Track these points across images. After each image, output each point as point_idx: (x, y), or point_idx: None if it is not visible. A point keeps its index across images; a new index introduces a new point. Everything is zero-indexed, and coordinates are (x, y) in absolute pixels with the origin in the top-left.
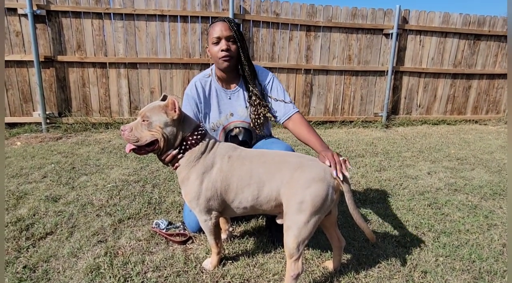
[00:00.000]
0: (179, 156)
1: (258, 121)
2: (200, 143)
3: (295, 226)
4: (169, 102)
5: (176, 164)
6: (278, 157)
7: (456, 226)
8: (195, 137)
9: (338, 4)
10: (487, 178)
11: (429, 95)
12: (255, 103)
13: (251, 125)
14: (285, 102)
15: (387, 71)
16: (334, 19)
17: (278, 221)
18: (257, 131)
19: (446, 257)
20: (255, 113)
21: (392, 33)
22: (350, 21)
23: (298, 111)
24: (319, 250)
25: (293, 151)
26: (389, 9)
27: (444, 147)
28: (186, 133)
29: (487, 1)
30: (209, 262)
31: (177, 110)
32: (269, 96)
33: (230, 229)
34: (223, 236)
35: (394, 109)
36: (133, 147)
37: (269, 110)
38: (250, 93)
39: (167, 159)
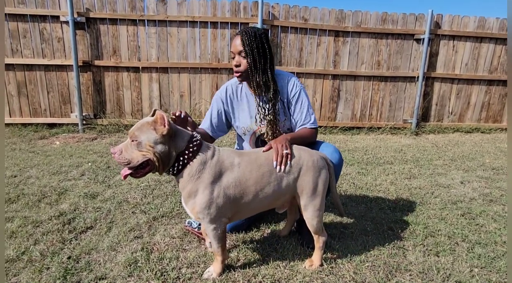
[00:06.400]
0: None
1: (270, 132)
2: (199, 155)
3: (314, 209)
4: (157, 118)
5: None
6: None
7: (492, 237)
8: (191, 149)
9: (368, 9)
10: None
11: (462, 102)
12: (266, 113)
13: (265, 134)
14: (304, 122)
15: (418, 77)
16: (363, 24)
17: (279, 211)
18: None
19: (481, 268)
20: (269, 124)
21: (423, 38)
22: (380, 26)
23: (315, 127)
24: (349, 255)
25: (340, 153)
26: (421, 13)
27: (478, 156)
28: (181, 148)
29: None
30: (213, 271)
31: (166, 125)
32: (291, 109)
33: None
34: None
35: (424, 116)
36: (128, 172)
37: (278, 123)
38: (260, 102)
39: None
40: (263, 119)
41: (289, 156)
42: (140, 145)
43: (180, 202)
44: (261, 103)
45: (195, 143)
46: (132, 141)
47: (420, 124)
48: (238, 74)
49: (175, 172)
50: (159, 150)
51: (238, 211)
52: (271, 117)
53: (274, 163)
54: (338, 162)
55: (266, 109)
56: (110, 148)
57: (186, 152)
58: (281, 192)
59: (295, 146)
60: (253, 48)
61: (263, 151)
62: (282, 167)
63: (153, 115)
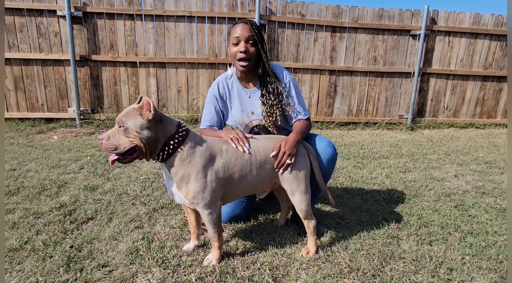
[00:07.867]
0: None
1: (270, 118)
2: (189, 139)
3: (301, 194)
4: (143, 103)
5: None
6: (268, 142)
7: (483, 228)
8: (181, 134)
9: (364, 5)
10: None
11: (457, 97)
12: (269, 102)
13: (264, 123)
14: (298, 111)
15: (414, 72)
16: (360, 20)
17: (260, 197)
18: (272, 130)
19: (472, 256)
20: (269, 112)
21: (419, 34)
22: (376, 22)
23: (307, 117)
24: (345, 244)
25: (334, 146)
26: (417, 9)
27: (472, 150)
28: (171, 132)
29: None
30: (212, 257)
31: (152, 110)
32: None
33: (202, 236)
34: (195, 242)
35: (419, 112)
36: (116, 157)
37: (283, 111)
38: (264, 92)
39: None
40: (271, 108)
41: (290, 164)
42: (127, 131)
43: None
44: (265, 93)
45: (183, 128)
46: (120, 127)
47: (416, 119)
48: (246, 63)
49: (165, 157)
50: (145, 136)
51: (223, 196)
52: (277, 102)
53: (275, 167)
54: (332, 156)
55: (272, 95)
56: (99, 136)
57: (176, 136)
58: (261, 178)
59: (273, 137)
60: (262, 37)
61: (272, 156)
62: (281, 171)
63: (139, 102)
